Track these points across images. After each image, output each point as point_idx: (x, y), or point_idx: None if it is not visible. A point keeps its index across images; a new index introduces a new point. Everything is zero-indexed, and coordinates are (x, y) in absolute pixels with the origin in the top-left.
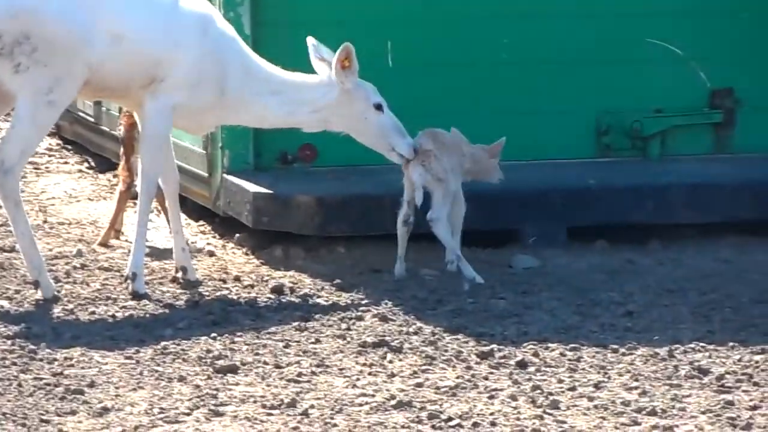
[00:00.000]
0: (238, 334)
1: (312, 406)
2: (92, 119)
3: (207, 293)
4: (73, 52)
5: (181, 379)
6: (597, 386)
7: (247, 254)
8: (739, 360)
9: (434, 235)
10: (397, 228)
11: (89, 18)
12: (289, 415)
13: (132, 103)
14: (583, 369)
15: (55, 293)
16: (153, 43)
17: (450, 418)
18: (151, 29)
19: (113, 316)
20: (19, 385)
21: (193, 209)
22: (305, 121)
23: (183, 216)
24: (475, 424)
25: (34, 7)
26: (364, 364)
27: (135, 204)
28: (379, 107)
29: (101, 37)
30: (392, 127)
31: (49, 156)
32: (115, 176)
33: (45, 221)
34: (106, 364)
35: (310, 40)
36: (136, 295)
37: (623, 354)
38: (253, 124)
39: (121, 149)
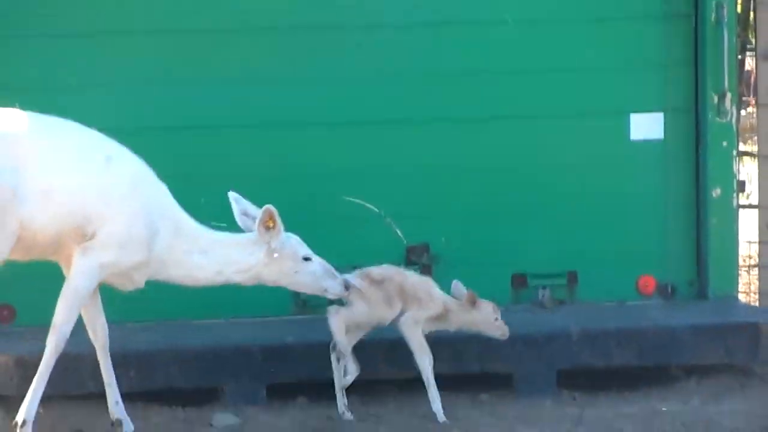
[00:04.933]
0: None
1: None
2: None
3: None
4: (5, 209)
5: None
6: None
7: None
8: None
9: None
10: None
11: (21, 175)
12: None
13: (65, 260)
14: None
15: None
16: (82, 200)
17: None
18: (80, 186)
19: None
20: None
21: None
22: (236, 279)
23: None
24: None
25: None
26: None
27: None
28: (307, 259)
29: (31, 192)
30: (322, 273)
31: None
32: None
33: None
34: None
35: (232, 195)
36: None
37: None
38: (185, 281)
39: None
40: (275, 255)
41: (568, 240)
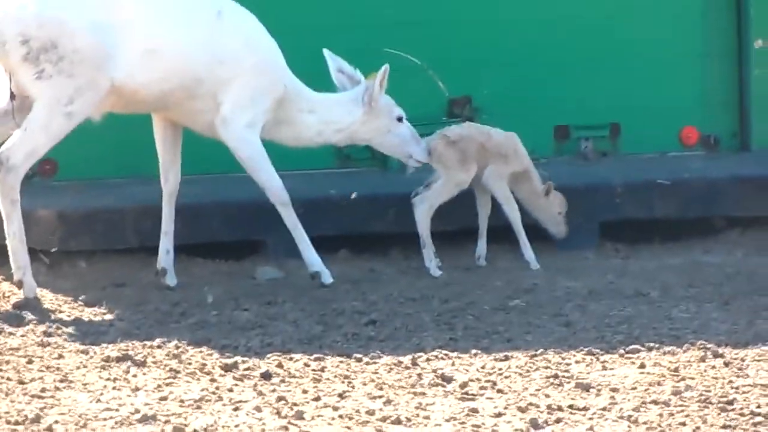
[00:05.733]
0: None
1: (56, 422)
2: None
3: None
4: (98, 66)
5: None
6: (341, 396)
7: None
8: (482, 367)
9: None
10: None
11: (119, 32)
12: (33, 431)
13: (168, 119)
14: (327, 379)
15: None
16: (192, 60)
17: (195, 431)
18: (189, 45)
19: None
20: None
21: None
22: (333, 140)
23: None
24: None
25: (64, 17)
26: (108, 379)
27: None
28: (400, 119)
29: (132, 51)
30: (410, 136)
31: None
32: None
33: None
34: None
35: (327, 52)
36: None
37: (367, 363)
38: (288, 141)
39: None
40: (373, 112)
41: (611, 91)
